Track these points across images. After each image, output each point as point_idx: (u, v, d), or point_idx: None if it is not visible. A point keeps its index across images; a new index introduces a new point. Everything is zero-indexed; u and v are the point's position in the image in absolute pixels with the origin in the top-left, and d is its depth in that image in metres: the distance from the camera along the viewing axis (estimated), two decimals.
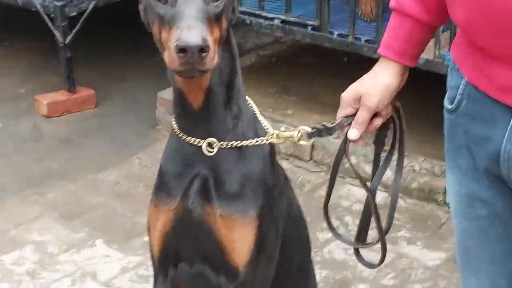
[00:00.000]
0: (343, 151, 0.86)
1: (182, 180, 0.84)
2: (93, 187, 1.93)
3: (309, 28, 1.92)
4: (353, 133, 0.78)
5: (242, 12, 1.95)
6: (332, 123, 0.84)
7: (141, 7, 0.77)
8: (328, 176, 0.92)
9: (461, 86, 0.71)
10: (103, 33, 2.67)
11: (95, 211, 1.82)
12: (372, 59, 1.52)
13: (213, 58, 0.67)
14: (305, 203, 1.23)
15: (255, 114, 0.88)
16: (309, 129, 0.84)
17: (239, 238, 0.83)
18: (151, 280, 1.04)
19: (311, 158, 1.87)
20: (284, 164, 1.74)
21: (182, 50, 0.62)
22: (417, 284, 1.42)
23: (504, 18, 0.60)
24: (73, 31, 2.20)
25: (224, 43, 0.76)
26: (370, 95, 0.75)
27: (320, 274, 1.36)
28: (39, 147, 2.15)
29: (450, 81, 0.74)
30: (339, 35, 1.86)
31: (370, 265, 0.97)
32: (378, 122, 0.79)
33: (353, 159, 1.27)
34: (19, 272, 1.54)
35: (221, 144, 0.78)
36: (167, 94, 2.05)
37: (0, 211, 1.76)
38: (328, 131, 0.83)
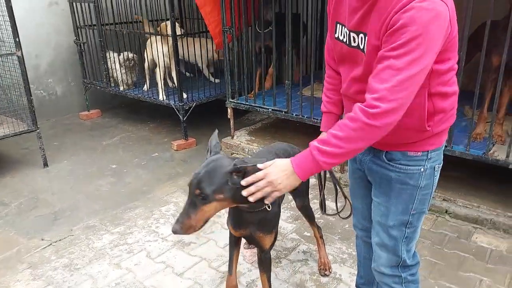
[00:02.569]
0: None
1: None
2: None
3: (283, 112, 3.72)
4: None
5: (256, 106, 4.01)
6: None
7: None
8: None
9: None
10: (201, 116, 4.68)
11: None
12: (309, 125, 3.53)
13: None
14: None
15: None
16: None
17: (269, 241, 1.78)
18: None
19: None
20: None
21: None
22: None
23: None
24: (187, 114, 4.36)
25: None
26: None
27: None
28: (172, 164, 4.07)
29: None
30: (296, 115, 3.74)
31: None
32: None
33: None
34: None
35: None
36: (226, 139, 4.20)
37: (158, 189, 3.68)
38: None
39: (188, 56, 4.90)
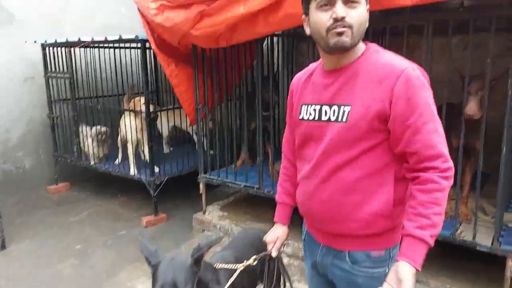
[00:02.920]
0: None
1: None
2: None
3: (255, 188, 3.68)
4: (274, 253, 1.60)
5: (228, 181, 3.96)
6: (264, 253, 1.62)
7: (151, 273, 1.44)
8: None
9: (305, 231, 1.55)
10: (174, 189, 4.56)
11: None
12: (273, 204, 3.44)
13: None
14: None
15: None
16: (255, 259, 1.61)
17: None
18: None
19: None
20: None
21: None
22: None
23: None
24: (158, 189, 4.26)
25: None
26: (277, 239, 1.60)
27: None
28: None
29: (303, 228, 1.58)
30: (267, 191, 3.64)
31: None
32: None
33: None
34: None
35: None
36: (199, 215, 4.07)
37: (123, 272, 3.49)
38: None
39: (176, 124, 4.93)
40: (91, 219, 4.52)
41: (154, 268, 1.42)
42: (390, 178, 1.31)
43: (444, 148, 1.24)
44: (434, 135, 1.23)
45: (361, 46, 1.34)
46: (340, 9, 1.23)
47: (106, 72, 5.05)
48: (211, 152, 4.21)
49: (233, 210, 4.18)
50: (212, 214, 4.12)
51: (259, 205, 4.19)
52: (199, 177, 4.12)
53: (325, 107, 1.36)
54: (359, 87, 1.28)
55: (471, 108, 2.54)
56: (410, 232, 1.21)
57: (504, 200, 2.65)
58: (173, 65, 4.11)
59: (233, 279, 1.58)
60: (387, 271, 1.33)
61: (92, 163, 4.96)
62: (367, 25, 1.31)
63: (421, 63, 1.59)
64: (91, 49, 5.03)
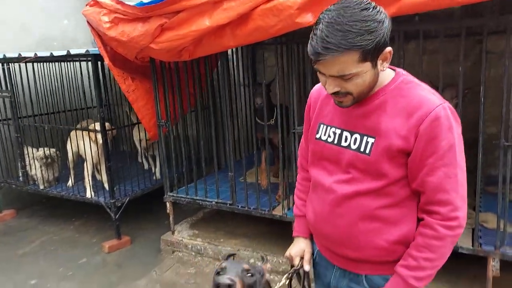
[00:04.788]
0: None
1: None
2: None
3: (228, 204, 3.47)
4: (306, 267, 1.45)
5: (198, 199, 3.70)
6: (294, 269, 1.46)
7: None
8: None
9: (316, 250, 1.47)
10: (135, 208, 4.21)
11: None
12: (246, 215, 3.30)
13: None
14: None
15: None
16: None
17: None
18: None
19: None
20: None
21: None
22: None
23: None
24: (119, 212, 3.93)
25: None
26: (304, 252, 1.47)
27: None
28: (105, 270, 3.56)
29: (314, 247, 1.49)
30: (242, 206, 3.42)
31: None
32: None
33: None
34: None
35: None
36: (166, 236, 3.83)
37: None
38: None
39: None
40: (45, 249, 4.11)
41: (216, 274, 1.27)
42: (414, 207, 1.26)
43: (457, 196, 1.18)
44: (449, 180, 1.17)
45: (388, 73, 1.26)
46: (329, 86, 1.19)
47: (51, 87, 4.65)
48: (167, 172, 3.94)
49: (204, 228, 3.98)
50: (182, 233, 3.90)
51: (231, 220, 4.04)
52: (165, 196, 3.89)
53: (345, 133, 1.28)
54: (386, 119, 1.21)
55: None
56: (396, 269, 1.24)
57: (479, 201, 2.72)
58: (129, 79, 3.87)
59: None
60: None
61: (41, 187, 4.53)
62: (375, 79, 1.21)
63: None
64: (34, 63, 4.61)
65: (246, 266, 1.26)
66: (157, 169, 4.70)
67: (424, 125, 1.15)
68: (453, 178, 1.17)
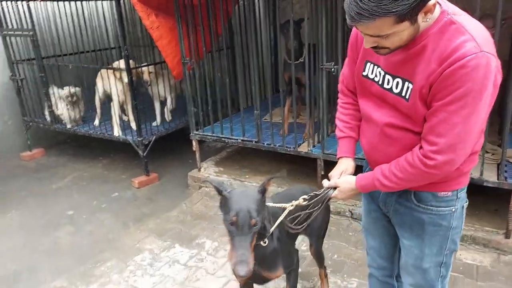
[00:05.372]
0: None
1: None
2: (167, 220, 3.37)
3: (253, 142, 3.59)
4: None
5: (224, 137, 3.82)
6: (319, 192, 1.53)
7: (220, 204, 1.49)
8: None
9: (367, 168, 1.53)
10: (160, 147, 4.32)
11: (172, 231, 3.21)
12: (269, 155, 3.41)
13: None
14: None
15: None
16: (304, 198, 1.57)
17: (278, 274, 1.79)
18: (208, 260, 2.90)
19: None
20: None
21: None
22: None
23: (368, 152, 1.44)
24: (146, 150, 4.07)
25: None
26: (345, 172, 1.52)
27: None
28: (137, 203, 3.77)
29: (364, 162, 1.58)
30: (267, 144, 3.54)
31: None
32: None
33: None
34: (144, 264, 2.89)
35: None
36: (193, 173, 3.99)
37: (126, 235, 3.23)
38: (316, 197, 1.53)
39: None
40: (77, 184, 4.31)
41: (225, 199, 1.47)
42: None
43: (445, 142, 1.16)
44: (445, 126, 1.15)
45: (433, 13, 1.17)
46: (366, 43, 1.20)
47: (73, 27, 4.60)
48: (195, 109, 3.98)
49: (229, 165, 4.10)
50: (208, 170, 4.03)
51: (255, 158, 4.15)
52: (191, 134, 3.98)
53: (388, 76, 1.30)
54: (423, 65, 1.18)
55: None
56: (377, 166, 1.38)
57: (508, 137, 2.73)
58: (153, 15, 3.82)
59: (282, 218, 1.58)
60: (453, 210, 1.36)
61: (69, 126, 4.65)
62: (415, 33, 1.17)
63: None
64: (53, 2, 4.56)
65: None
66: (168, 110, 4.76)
67: (449, 70, 1.11)
68: (450, 125, 1.15)
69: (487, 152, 2.94)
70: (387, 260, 1.69)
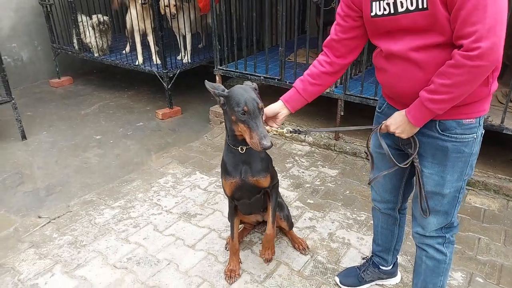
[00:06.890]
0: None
1: (235, 168, 1.84)
2: (189, 149, 3.51)
3: (276, 79, 3.66)
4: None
5: (247, 73, 3.85)
6: (303, 129, 1.76)
7: (221, 101, 1.66)
8: None
9: (385, 103, 1.59)
10: (187, 81, 4.45)
11: (193, 159, 3.36)
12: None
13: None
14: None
15: None
16: (290, 129, 1.68)
17: (265, 182, 1.89)
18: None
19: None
20: None
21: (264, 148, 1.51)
22: None
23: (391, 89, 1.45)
24: (171, 82, 4.21)
25: None
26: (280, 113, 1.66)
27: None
28: (160, 133, 3.95)
29: (380, 100, 1.63)
30: (290, 82, 3.61)
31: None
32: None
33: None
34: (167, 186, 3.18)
35: (246, 148, 1.74)
36: (214, 108, 4.11)
37: (151, 160, 3.44)
38: (300, 132, 1.72)
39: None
40: (104, 112, 4.49)
41: (228, 97, 1.65)
42: None
43: (483, 28, 1.13)
44: (476, 12, 1.13)
45: None
46: None
47: None
48: (219, 47, 4.00)
49: None
50: None
51: (276, 97, 4.18)
52: (215, 69, 4.03)
53: None
54: None
55: None
56: (419, 93, 1.34)
57: None
58: None
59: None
60: (475, 137, 1.41)
61: (96, 55, 4.74)
62: None
63: None
64: None
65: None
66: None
67: None
68: (481, 10, 1.13)
69: (511, 101, 2.92)
70: (391, 193, 1.76)
